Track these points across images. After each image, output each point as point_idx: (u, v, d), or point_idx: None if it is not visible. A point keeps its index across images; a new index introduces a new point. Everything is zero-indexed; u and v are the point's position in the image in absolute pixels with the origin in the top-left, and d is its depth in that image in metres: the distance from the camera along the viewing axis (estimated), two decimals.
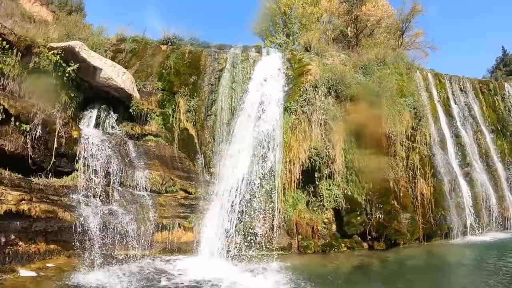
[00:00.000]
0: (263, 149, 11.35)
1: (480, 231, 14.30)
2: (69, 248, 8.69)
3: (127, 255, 9.32)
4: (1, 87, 8.60)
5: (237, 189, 10.75)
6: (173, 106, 12.24)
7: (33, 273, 7.59)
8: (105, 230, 9.08)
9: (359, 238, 11.93)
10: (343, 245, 11.73)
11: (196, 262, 9.63)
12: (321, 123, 12.07)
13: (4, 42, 8.50)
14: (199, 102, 12.51)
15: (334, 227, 11.88)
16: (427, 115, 14.67)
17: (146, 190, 10.53)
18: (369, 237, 11.88)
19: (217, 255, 10.05)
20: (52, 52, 9.24)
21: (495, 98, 18.79)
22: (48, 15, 10.66)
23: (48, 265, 8.12)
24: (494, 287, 8.24)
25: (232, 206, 10.60)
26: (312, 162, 11.71)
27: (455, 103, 17.43)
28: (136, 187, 10.42)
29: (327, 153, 11.87)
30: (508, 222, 15.43)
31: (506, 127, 18.16)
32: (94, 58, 9.92)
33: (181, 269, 9.01)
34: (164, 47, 13.58)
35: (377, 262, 10.60)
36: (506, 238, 13.92)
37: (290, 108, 12.11)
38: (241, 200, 10.62)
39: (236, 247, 10.14)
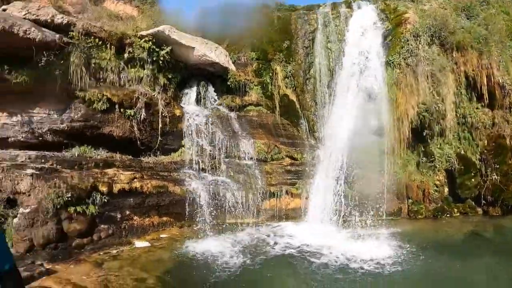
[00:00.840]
0: (367, 108, 10.85)
1: None
2: (180, 219, 9.44)
3: (236, 223, 9.78)
4: (102, 79, 9.41)
5: (343, 152, 10.47)
6: (270, 74, 12.19)
7: (148, 244, 8.33)
8: (214, 200, 9.63)
9: (473, 203, 10.99)
10: (455, 210, 10.94)
11: (304, 228, 9.71)
12: (427, 76, 11.08)
13: (97, 40, 9.19)
14: (296, 66, 12.30)
15: (446, 190, 11.11)
16: None
17: (252, 159, 10.76)
18: (484, 201, 10.84)
19: (325, 221, 10.03)
20: (143, 40, 9.79)
21: None
22: (133, 10, 11.26)
23: (161, 236, 8.87)
24: None
25: (338, 170, 10.39)
26: (421, 119, 10.91)
27: None
28: (242, 157, 10.71)
29: (437, 108, 10.95)
30: None
31: None
32: (185, 38, 10.27)
33: (289, 235, 9.17)
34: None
35: (492, 230, 9.77)
36: None
37: (392, 62, 11.28)
38: (347, 163, 10.33)
39: (343, 212, 10.01)
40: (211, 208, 9.50)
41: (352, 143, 10.39)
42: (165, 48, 10.07)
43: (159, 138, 9.87)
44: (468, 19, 12.17)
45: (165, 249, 8.12)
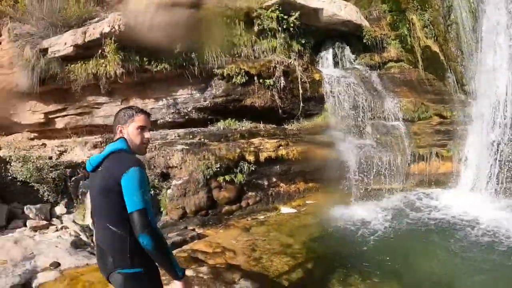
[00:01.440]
0: None
1: None
2: (326, 185, 9.12)
3: (382, 189, 9.13)
4: (237, 55, 9.62)
5: (499, 107, 9.04)
6: (407, 25, 11.14)
7: (293, 210, 8.27)
8: (359, 164, 9.11)
9: None
10: None
11: (455, 196, 8.67)
12: None
13: (224, 18, 9.47)
14: (434, 13, 10.94)
15: None
16: None
17: (398, 120, 10.00)
18: None
19: (480, 188, 8.77)
20: (270, 10, 9.74)
21: None
22: None
23: (307, 202, 8.72)
24: None
25: (494, 129, 9.04)
26: None
27: None
28: (387, 117, 10.01)
29: None
30: None
31: None
32: (311, 1, 9.99)
33: (439, 203, 8.29)
34: None
35: None
36: None
37: None
38: (506, 121, 8.92)
39: (500, 179, 8.60)
40: (357, 173, 9.01)
41: (507, 96, 8.96)
42: (293, 14, 9.86)
43: (301, 104, 9.72)
44: None
45: (310, 215, 7.95)
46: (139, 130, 2.92)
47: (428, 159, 9.70)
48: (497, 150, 8.81)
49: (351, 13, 10.53)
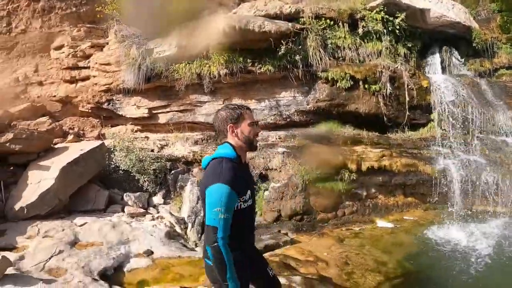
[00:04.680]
0: None
1: None
2: (426, 201, 8.70)
3: (486, 211, 8.39)
4: (341, 58, 9.39)
5: None
6: None
7: (390, 225, 7.95)
8: (465, 183, 8.47)
9: None
10: None
11: None
12: None
13: (328, 20, 9.35)
14: None
15: None
16: None
17: (510, 135, 9.23)
18: None
19: None
20: (374, 11, 9.43)
21: None
22: None
23: (404, 217, 8.33)
24: None
25: None
26: None
27: None
28: (498, 132, 9.29)
29: None
30: None
31: None
32: (418, 1, 9.52)
33: None
34: None
35: None
36: None
37: None
38: None
39: None
40: (461, 192, 8.41)
41: None
42: (399, 15, 9.48)
43: (407, 112, 9.33)
44: None
45: (408, 232, 7.57)
46: (251, 126, 2.99)
47: None
48: None
49: (459, 14, 9.90)
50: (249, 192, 2.98)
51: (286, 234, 7.30)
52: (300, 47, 8.95)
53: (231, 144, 2.96)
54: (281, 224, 7.78)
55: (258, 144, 3.10)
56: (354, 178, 8.17)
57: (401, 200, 8.69)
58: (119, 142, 9.24)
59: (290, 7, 9.22)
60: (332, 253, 6.45)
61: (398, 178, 8.57)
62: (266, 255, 6.14)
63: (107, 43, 10.62)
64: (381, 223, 8.07)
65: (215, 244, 2.71)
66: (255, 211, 3.46)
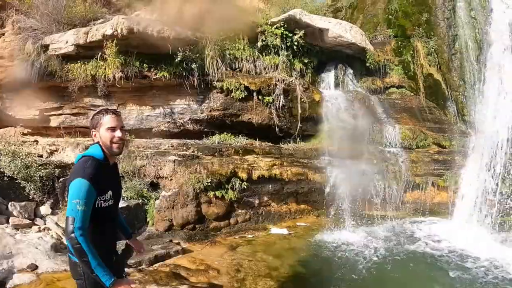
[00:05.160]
0: None
1: None
2: (318, 208, 9.08)
3: (376, 215, 9.00)
4: (238, 69, 9.55)
5: (499, 140, 8.90)
6: (411, 52, 11.21)
7: (283, 231, 8.13)
8: (354, 190, 8.92)
9: None
10: None
11: (449, 227, 8.48)
12: None
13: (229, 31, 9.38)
14: (439, 41, 11.05)
15: None
16: None
17: (396, 147, 9.95)
18: None
19: (475, 220, 8.61)
20: (275, 26, 9.67)
21: None
22: (259, 3, 11.25)
23: (298, 223, 8.61)
24: None
25: (494, 161, 8.86)
26: None
27: None
28: (385, 143, 9.98)
29: None
30: None
31: None
32: (317, 20, 9.89)
33: (433, 234, 8.10)
34: None
35: None
36: None
37: None
38: (505, 154, 8.76)
39: (497, 213, 8.43)
40: (350, 198, 8.83)
41: (508, 128, 8.85)
42: (297, 32, 9.80)
43: (299, 124, 9.62)
44: None
45: (301, 237, 7.83)
46: (109, 131, 3.05)
47: (424, 188, 9.64)
48: (496, 183, 8.69)
49: (356, 36, 10.46)
50: (110, 192, 3.08)
51: (178, 243, 7.19)
52: (198, 55, 8.92)
53: (100, 146, 3.08)
54: (174, 233, 7.67)
55: (119, 149, 3.12)
56: (246, 186, 8.25)
57: (294, 207, 8.99)
58: (4, 146, 8.61)
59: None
60: (224, 261, 6.46)
61: (290, 186, 8.84)
62: (156, 265, 6.13)
63: (3, 34, 9.90)
64: (274, 230, 8.22)
65: (72, 234, 2.75)
66: (118, 214, 3.45)
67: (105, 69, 8.73)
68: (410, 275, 6.39)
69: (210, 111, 9.06)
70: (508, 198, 8.46)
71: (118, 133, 3.06)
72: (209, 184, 7.89)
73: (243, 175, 8.25)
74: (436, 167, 9.84)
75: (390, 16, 11.83)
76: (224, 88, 8.95)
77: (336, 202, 8.80)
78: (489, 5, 10.47)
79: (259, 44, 9.72)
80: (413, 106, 10.83)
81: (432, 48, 11.14)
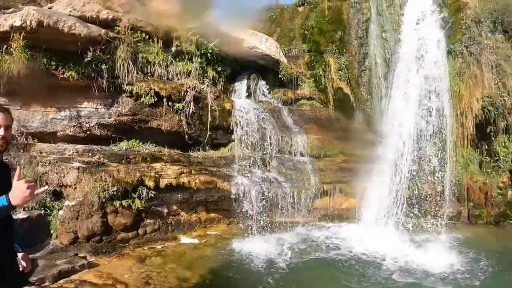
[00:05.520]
0: (428, 102, 10.00)
1: None
2: (229, 216, 9.10)
3: (286, 222, 9.27)
4: (150, 74, 9.30)
5: (401, 149, 9.56)
6: (323, 66, 11.67)
7: (194, 240, 8.08)
8: (263, 197, 9.15)
9: None
10: None
11: (357, 231, 9.06)
12: (492, 66, 10.22)
13: (143, 34, 9.16)
14: (350, 58, 11.70)
15: (510, 193, 10.14)
16: None
17: (305, 155, 10.26)
18: None
19: (380, 223, 9.23)
20: (191, 33, 9.61)
21: None
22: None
23: (208, 232, 8.59)
24: None
25: (396, 169, 9.53)
26: (486, 113, 10.02)
27: None
28: (294, 152, 10.24)
29: (503, 102, 10.01)
30: None
31: None
32: (234, 30, 10.06)
33: (341, 238, 8.59)
34: (301, 9, 13.21)
35: None
36: None
37: (454, 51, 10.52)
38: (406, 161, 9.42)
39: (401, 215, 9.13)
40: (260, 206, 9.05)
41: (410, 138, 9.53)
42: (213, 40, 9.82)
43: (208, 132, 9.61)
44: None
45: (212, 246, 7.84)
46: None
47: (332, 194, 10.08)
48: (399, 188, 9.29)
49: (271, 48, 10.70)
50: None
51: (84, 257, 6.82)
52: (109, 56, 8.59)
53: None
54: (79, 246, 7.26)
55: (1, 147, 2.94)
56: (153, 195, 8.06)
57: (204, 216, 8.94)
58: None
59: (108, 12, 8.75)
60: (133, 274, 6.26)
61: (199, 194, 8.77)
62: (61, 281, 5.81)
63: None
64: (184, 239, 8.12)
65: None
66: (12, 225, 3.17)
67: (9, 64, 8.02)
68: (319, 281, 6.62)
69: (119, 115, 8.78)
70: (408, 202, 9.18)
71: (0, 132, 2.92)
72: (115, 193, 7.59)
73: (150, 183, 8.06)
74: (344, 175, 10.36)
75: (306, 32, 12.33)
76: (134, 93, 8.72)
77: (246, 210, 8.92)
78: (400, 27, 11.21)
79: (174, 49, 9.61)
80: (322, 117, 11.32)
81: (344, 64, 11.73)
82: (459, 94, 10.18)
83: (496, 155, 10.23)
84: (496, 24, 10.68)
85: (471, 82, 10.23)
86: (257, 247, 7.78)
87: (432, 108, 9.69)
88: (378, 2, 11.95)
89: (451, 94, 10.02)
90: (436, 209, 9.21)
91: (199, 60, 9.77)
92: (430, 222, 8.91)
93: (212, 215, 9.05)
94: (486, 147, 10.40)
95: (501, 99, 10.05)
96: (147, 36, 9.26)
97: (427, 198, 9.37)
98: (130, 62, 8.81)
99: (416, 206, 9.28)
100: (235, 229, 8.80)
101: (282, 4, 13.77)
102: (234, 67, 10.74)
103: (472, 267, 7.01)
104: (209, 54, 9.87)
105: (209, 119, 9.57)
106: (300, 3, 13.51)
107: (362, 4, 12.11)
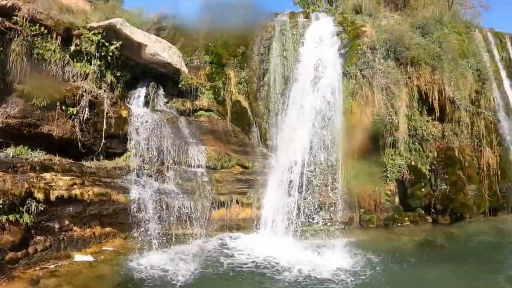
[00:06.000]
0: (322, 118, 10.60)
1: None
2: (125, 230, 8.63)
3: (184, 234, 9.11)
4: (44, 72, 8.50)
5: (296, 161, 10.18)
6: (223, 79, 11.78)
7: (89, 258, 7.57)
8: (161, 210, 8.88)
9: (423, 212, 11.26)
10: (406, 219, 11.17)
11: (255, 240, 9.31)
12: (382, 88, 11.26)
13: (42, 28, 8.39)
14: (250, 73, 11.99)
15: (397, 199, 11.31)
16: (491, 77, 13.28)
17: (201, 167, 10.20)
18: (433, 210, 11.15)
19: (278, 231, 9.66)
20: (92, 32, 9.03)
21: None
22: (86, 5, 10.53)
23: (104, 248, 8.10)
24: None
25: (291, 179, 10.09)
26: (375, 129, 10.97)
27: None
28: (191, 164, 10.12)
29: (390, 120, 11.09)
30: None
31: None
32: (138, 35, 9.63)
33: (240, 248, 8.71)
34: None
35: (442, 238, 10.05)
36: None
37: (349, 73, 11.37)
38: (300, 172, 10.02)
39: (296, 223, 9.62)
40: (157, 218, 8.78)
41: (305, 151, 10.17)
42: (115, 43, 9.35)
43: (103, 140, 9.06)
44: (423, 36, 12.64)
45: (108, 263, 7.42)
46: None
47: (229, 205, 10.16)
48: (292, 198, 9.82)
49: (173, 57, 10.49)
50: None
51: None
52: (1, 49, 7.75)
53: None
54: None
55: None
56: (43, 209, 7.36)
57: (99, 231, 8.37)
58: None
59: (8, 0, 7.92)
60: None
61: (93, 208, 8.20)
62: None
63: None
64: (79, 257, 7.56)
65: None
66: None
67: None
68: None
69: (6, 117, 7.84)
70: (303, 210, 9.69)
71: None
72: (1, 206, 6.77)
73: (40, 196, 7.32)
74: (240, 186, 10.55)
75: (210, 44, 12.26)
76: (25, 92, 7.91)
77: (142, 223, 8.58)
78: (300, 48, 12.01)
79: (73, 48, 8.95)
80: (220, 129, 11.35)
81: (244, 78, 11.99)
82: (351, 111, 11.02)
83: (384, 166, 11.27)
84: (389, 52, 11.79)
85: (363, 102, 11.13)
86: (155, 262, 7.55)
87: (326, 123, 10.40)
88: (283, 23, 12.53)
89: (344, 111, 10.84)
90: (331, 216, 9.79)
91: (98, 62, 9.23)
92: (326, 228, 9.45)
93: (108, 229, 8.50)
94: (375, 159, 11.35)
95: (389, 117, 11.14)
96: (46, 31, 8.52)
97: (321, 207, 9.90)
98: (24, 58, 8.00)
99: (312, 214, 9.76)
100: (132, 243, 8.38)
101: (187, 13, 13.48)
102: (134, 73, 10.34)
103: (365, 265, 7.65)
104: (109, 58, 9.38)
105: (105, 126, 9.03)
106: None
107: (267, 22, 12.56)
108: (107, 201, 8.40)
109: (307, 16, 12.97)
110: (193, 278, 6.94)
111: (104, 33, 9.14)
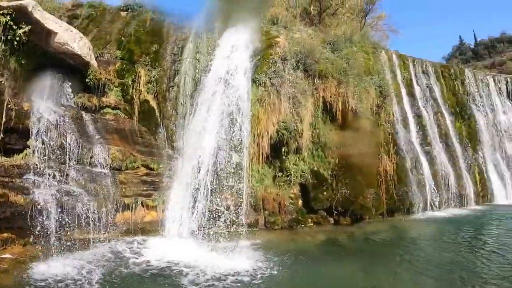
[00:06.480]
0: (229, 122, 10.71)
1: (439, 207, 14.93)
2: (24, 236, 7.89)
3: (88, 239, 8.57)
4: None
5: (202, 164, 10.11)
6: (133, 77, 11.39)
7: None
8: (62, 213, 8.28)
9: (325, 213, 12.02)
10: (309, 220, 11.81)
11: (161, 243, 9.11)
12: (289, 97, 11.87)
13: None
14: (161, 72, 11.73)
15: (300, 202, 11.93)
16: (391, 94, 14.88)
17: (106, 167, 9.77)
18: (335, 212, 11.98)
19: (184, 234, 9.56)
20: (1, 12, 8.18)
21: (455, 83, 19.73)
22: None
23: (2, 256, 7.36)
24: (453, 256, 8.62)
25: (197, 182, 9.98)
26: (280, 136, 11.49)
27: (417, 84, 17.96)
28: (94, 164, 9.64)
29: (295, 127, 11.72)
30: (465, 200, 16.27)
31: (465, 111, 19.20)
32: (49, 20, 8.86)
33: (146, 252, 8.42)
34: (123, 14, 12.61)
35: (343, 237, 10.72)
36: (462, 214, 14.64)
37: (258, 80, 11.73)
38: (207, 175, 9.99)
39: (203, 225, 9.59)
40: (59, 222, 8.17)
41: (211, 155, 10.20)
42: (23, 27, 8.54)
43: (1, 135, 8.31)
44: (332, 52, 13.61)
45: (7, 273, 6.75)
46: None
47: (133, 208, 9.85)
48: (197, 200, 9.72)
49: (83, 48, 9.86)
50: None
51: None
52: None
53: None
54: None
55: None
56: None
57: None
58: None
59: None
60: None
61: None
62: None
63: None
64: None
65: None
66: None
67: None
68: None
69: None
70: (209, 213, 9.66)
71: None
72: None
73: None
74: (145, 188, 10.31)
75: (123, 38, 11.79)
76: None
77: (43, 228, 7.92)
78: (214, 52, 11.88)
79: None
80: (126, 128, 10.94)
81: (154, 77, 11.66)
82: (258, 117, 11.38)
83: (288, 171, 11.81)
84: (299, 63, 12.48)
85: (270, 108, 11.59)
86: (59, 270, 7.02)
87: (232, 128, 10.56)
88: (199, 25, 12.31)
89: (251, 117, 11.04)
90: (237, 218, 9.89)
91: (3, 46, 8.35)
92: (232, 231, 9.56)
93: (5, 235, 7.71)
94: (279, 164, 11.92)
95: (294, 125, 11.74)
96: None
97: (227, 209, 9.95)
98: None
99: (218, 217, 9.77)
100: (33, 250, 7.71)
101: (105, 4, 12.74)
102: (41, 62, 9.47)
103: (267, 265, 7.80)
104: (15, 42, 8.54)
105: (4, 119, 8.27)
106: (125, 7, 12.82)
107: (184, 23, 12.35)
108: (5, 203, 7.67)
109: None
110: (100, 284, 6.57)
111: (13, 14, 8.33)
